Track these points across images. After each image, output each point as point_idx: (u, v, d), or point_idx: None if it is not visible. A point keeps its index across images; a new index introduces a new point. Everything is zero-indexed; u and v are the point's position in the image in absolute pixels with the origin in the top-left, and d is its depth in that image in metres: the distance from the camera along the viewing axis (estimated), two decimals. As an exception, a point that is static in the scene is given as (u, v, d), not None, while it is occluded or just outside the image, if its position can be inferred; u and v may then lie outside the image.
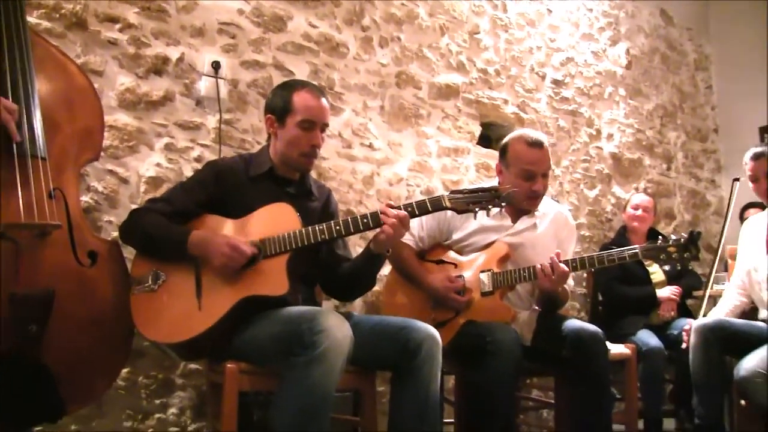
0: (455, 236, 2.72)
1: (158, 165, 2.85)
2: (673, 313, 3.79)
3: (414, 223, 2.69)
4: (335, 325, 1.89)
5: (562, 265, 2.44)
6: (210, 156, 2.90)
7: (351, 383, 2.23)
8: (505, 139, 2.76)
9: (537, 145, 2.64)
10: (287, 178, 2.34)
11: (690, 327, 2.99)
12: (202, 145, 2.98)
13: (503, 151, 2.71)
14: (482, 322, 2.46)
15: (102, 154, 2.50)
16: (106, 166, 2.71)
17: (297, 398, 1.84)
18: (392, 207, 2.13)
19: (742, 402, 2.86)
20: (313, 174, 2.52)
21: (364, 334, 2.09)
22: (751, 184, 2.94)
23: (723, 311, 3.10)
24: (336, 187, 3.32)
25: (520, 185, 2.62)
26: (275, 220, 2.17)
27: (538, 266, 2.47)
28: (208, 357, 2.30)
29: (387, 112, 3.63)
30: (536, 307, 2.79)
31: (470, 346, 2.39)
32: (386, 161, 3.60)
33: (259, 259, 2.09)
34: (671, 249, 2.40)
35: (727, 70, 5.68)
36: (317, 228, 2.11)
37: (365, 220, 2.13)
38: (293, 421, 1.84)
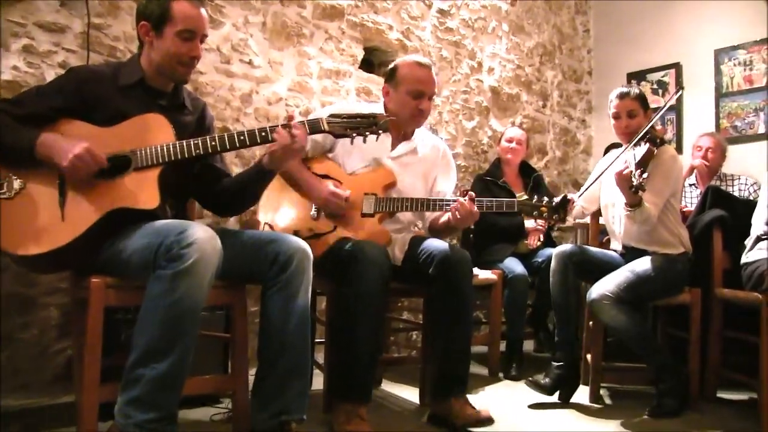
0: (338, 148, 2.73)
1: (15, 68, 2.66)
2: (538, 243, 3.99)
3: None
4: (204, 238, 1.85)
5: (475, 208, 2.51)
6: (76, 62, 2.73)
7: (221, 298, 2.20)
8: (393, 63, 2.81)
9: (426, 66, 2.72)
10: (159, 89, 2.23)
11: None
12: (68, 50, 2.79)
13: (391, 73, 2.75)
14: (355, 240, 2.49)
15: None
16: (-46, 65, 2.50)
17: (162, 312, 1.79)
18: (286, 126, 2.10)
19: (590, 322, 3.13)
20: (189, 88, 2.42)
21: (235, 247, 2.07)
22: (613, 122, 3.08)
23: None
24: (213, 104, 3.22)
25: (408, 103, 2.68)
26: (147, 131, 2.07)
27: (452, 207, 2.52)
28: (73, 272, 2.20)
29: (269, 29, 3.53)
30: (416, 229, 2.87)
31: (341, 259, 2.42)
32: (266, 79, 3.53)
33: (129, 170, 2.01)
34: (543, 208, 2.54)
35: (604, 17, 5.90)
36: (192, 142, 2.05)
37: (242, 138, 2.09)
38: (158, 335, 1.79)
